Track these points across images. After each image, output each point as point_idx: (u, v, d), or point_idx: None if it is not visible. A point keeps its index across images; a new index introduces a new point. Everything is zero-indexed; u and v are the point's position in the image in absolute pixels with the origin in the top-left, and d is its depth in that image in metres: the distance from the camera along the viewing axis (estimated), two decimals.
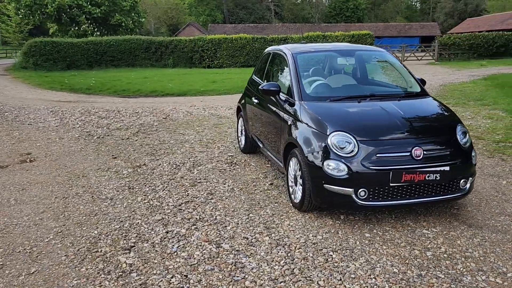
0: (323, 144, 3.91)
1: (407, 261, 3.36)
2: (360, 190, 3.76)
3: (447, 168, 3.86)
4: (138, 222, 4.13)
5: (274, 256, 3.45)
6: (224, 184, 5.17)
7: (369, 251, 3.52)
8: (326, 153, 3.88)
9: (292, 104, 4.55)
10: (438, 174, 3.84)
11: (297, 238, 3.76)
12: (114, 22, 38.43)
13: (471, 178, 4.09)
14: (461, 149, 4.04)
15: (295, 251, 3.52)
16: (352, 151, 3.79)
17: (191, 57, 27.40)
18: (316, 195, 3.98)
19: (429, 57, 28.38)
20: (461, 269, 3.26)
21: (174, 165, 5.96)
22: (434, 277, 3.15)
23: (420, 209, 4.33)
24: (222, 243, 3.67)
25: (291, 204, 4.50)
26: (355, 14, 64.71)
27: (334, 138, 3.88)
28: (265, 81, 5.67)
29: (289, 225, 4.03)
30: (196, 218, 4.20)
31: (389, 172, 3.75)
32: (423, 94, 4.76)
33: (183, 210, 4.41)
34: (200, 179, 5.39)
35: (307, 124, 4.18)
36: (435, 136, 4.02)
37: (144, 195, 4.85)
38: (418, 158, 3.81)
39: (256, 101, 5.64)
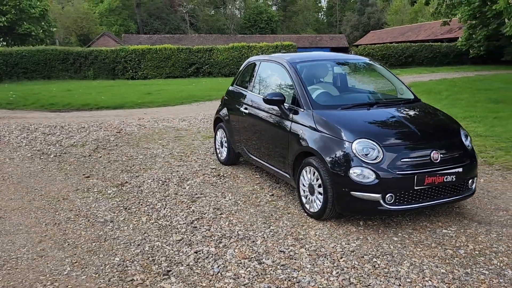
0: (347, 152, 3.95)
1: (447, 261, 3.49)
2: (387, 195, 3.84)
3: (460, 170, 4.09)
4: (158, 245, 3.85)
5: (322, 268, 3.39)
6: (225, 198, 5.01)
7: (407, 254, 3.59)
8: (351, 160, 3.91)
9: (299, 113, 4.53)
10: (454, 176, 4.05)
11: (332, 247, 3.74)
12: (22, 31, 35.71)
13: (476, 178, 4.37)
14: (467, 151, 4.30)
15: (339, 261, 3.49)
16: (377, 157, 3.87)
17: (113, 68, 26.30)
18: (342, 202, 4.00)
19: None
20: (498, 263, 3.45)
21: (160, 181, 5.65)
22: (480, 273, 3.30)
23: (428, 211, 4.52)
24: (262, 259, 3.54)
25: (305, 214, 4.46)
26: (269, 25, 66.47)
27: (358, 145, 3.93)
28: (255, 91, 5.59)
29: (315, 235, 3.99)
30: (219, 235, 4.01)
31: (414, 176, 3.88)
32: (417, 100, 5.00)
33: (199, 228, 4.19)
34: (196, 194, 5.16)
35: (325, 132, 4.18)
36: (446, 140, 4.24)
37: (147, 215, 4.54)
38: (437, 161, 3.99)
39: (246, 111, 5.54)
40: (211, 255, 3.62)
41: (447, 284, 3.15)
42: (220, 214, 4.53)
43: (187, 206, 4.76)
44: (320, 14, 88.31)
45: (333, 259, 3.52)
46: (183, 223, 4.30)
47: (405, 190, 3.90)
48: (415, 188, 3.90)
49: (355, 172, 3.86)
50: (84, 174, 6.08)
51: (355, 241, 3.85)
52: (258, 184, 5.49)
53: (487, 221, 4.27)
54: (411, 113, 4.60)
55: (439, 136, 4.25)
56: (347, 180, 3.91)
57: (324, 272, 3.33)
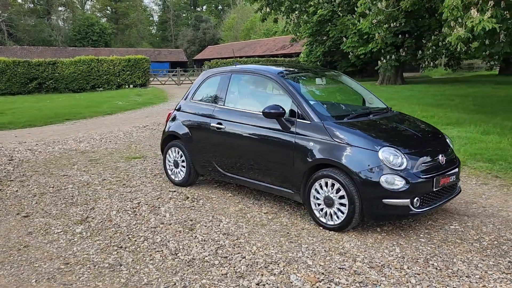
0: (375, 160, 4.02)
1: (485, 254, 3.81)
2: (415, 199, 4.04)
3: (457, 170, 4.52)
4: (207, 282, 3.36)
5: (397, 278, 3.38)
6: (222, 222, 4.61)
7: (449, 253, 3.81)
8: (380, 168, 4.00)
9: (305, 126, 4.44)
10: (454, 176, 4.46)
11: (381, 256, 3.76)
12: None
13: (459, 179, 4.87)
14: (454, 153, 4.78)
15: (403, 268, 3.53)
16: (402, 163, 4.04)
17: None
18: (373, 211, 4.05)
19: None
20: None
21: (128, 212, 4.92)
22: None
23: None
24: (334, 279, 3.37)
25: (320, 228, 4.39)
26: (102, 38, 63.22)
27: (384, 153, 4.05)
28: (229, 105, 5.29)
29: (353, 247, 3.96)
30: (261, 262, 3.68)
31: (433, 179, 4.15)
32: (390, 109, 5.35)
33: (230, 257, 3.78)
34: (185, 220, 4.64)
35: (345, 143, 4.19)
36: (442, 143, 4.63)
37: (157, 252, 3.91)
38: (443, 164, 4.35)
39: (221, 127, 5.20)
40: (277, 284, 3.30)
41: (509, 274, 3.43)
42: (236, 239, 4.16)
43: (191, 236, 4.24)
44: (152, 28, 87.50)
45: (396, 268, 3.54)
46: (208, 255, 3.82)
47: (427, 192, 4.14)
48: (433, 190, 4.17)
49: (387, 180, 3.95)
50: (18, 214, 4.93)
51: (393, 247, 3.94)
52: (241, 203, 5.19)
53: (472, 214, 4.77)
54: (403, 120, 4.91)
55: (436, 140, 4.63)
56: (378, 189, 3.97)
57: (403, 281, 3.32)
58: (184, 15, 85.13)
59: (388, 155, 4.03)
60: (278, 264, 3.62)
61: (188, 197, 5.42)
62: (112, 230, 4.40)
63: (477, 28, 8.09)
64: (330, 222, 4.30)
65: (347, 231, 4.27)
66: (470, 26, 8.16)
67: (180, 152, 5.79)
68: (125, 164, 7.17)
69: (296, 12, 24.74)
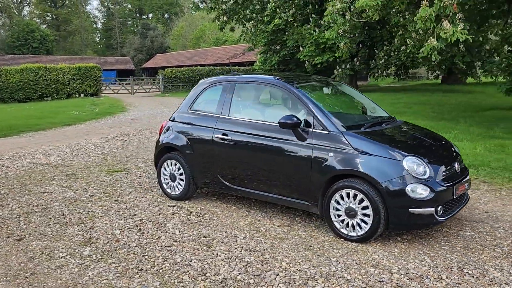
0: (401, 170, 4.02)
1: (511, 260, 3.89)
2: (438, 208, 4.07)
3: (468, 177, 4.62)
4: None
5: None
6: (238, 237, 4.42)
7: (476, 260, 3.85)
8: (406, 178, 4.00)
9: (322, 136, 4.38)
10: (467, 183, 4.55)
11: (415, 267, 3.72)
12: None
13: None
14: (462, 161, 4.88)
15: (443, 278, 3.51)
16: (425, 172, 4.06)
17: None
18: (399, 221, 4.04)
19: (156, 90, 29.64)
20: None
21: (134, 230, 4.62)
22: None
23: None
24: None
25: (341, 240, 4.32)
26: (43, 45, 60.48)
27: (409, 163, 4.05)
28: (235, 115, 5.12)
29: (383, 258, 3.90)
30: (298, 279, 3.54)
31: (453, 187, 4.21)
32: (394, 118, 5.40)
33: (265, 276, 3.60)
34: (199, 237, 4.41)
35: (368, 153, 4.15)
36: (451, 151, 4.72)
37: (185, 273, 3.67)
38: (459, 172, 4.43)
39: (227, 138, 5.02)
40: None
41: None
42: (261, 255, 4.00)
43: (212, 253, 4.03)
44: (96, 35, 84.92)
45: (435, 278, 3.52)
46: (239, 273, 3.64)
47: (448, 200, 4.18)
48: (453, 197, 4.23)
49: (413, 190, 3.95)
50: (9, 237, 4.50)
51: (422, 256, 3.93)
52: (249, 216, 5.03)
53: (478, 219, 4.88)
54: (413, 129, 4.96)
55: (448, 148, 4.70)
56: (405, 198, 3.96)
57: None
58: (129, 22, 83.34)
59: (412, 164, 4.04)
60: (316, 280, 3.49)
61: (191, 212, 5.17)
62: (124, 251, 4.10)
63: (451, 39, 8.41)
64: (352, 234, 4.23)
65: (369, 242, 4.22)
66: (444, 37, 8.48)
67: (178, 165, 5.53)
68: (108, 178, 6.77)
69: (252, 21, 24.89)
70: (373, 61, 23.29)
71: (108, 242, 4.32)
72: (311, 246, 4.19)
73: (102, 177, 6.83)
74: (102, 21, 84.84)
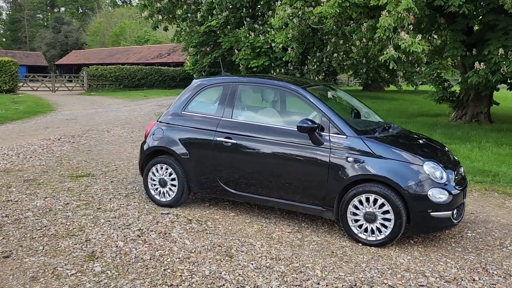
0: (422, 175, 4.10)
1: None
2: (454, 211, 4.22)
3: (467, 181, 4.86)
4: None
5: None
6: (255, 246, 4.24)
7: (493, 260, 4.03)
8: (427, 182, 4.09)
9: (341, 140, 4.35)
10: (467, 187, 4.78)
11: (445, 269, 3.81)
12: None
13: None
14: None
15: (476, 279, 3.63)
16: (443, 176, 4.20)
17: None
18: (421, 224, 4.12)
19: (79, 88, 27.90)
20: None
21: (138, 241, 4.25)
22: None
23: None
24: None
25: (359, 244, 4.32)
26: None
27: (429, 167, 4.16)
28: (238, 117, 4.92)
29: (409, 261, 3.95)
30: (345, 286, 3.47)
31: (464, 190, 4.39)
32: (390, 123, 5.50)
33: (307, 287, 3.49)
34: (213, 247, 4.16)
35: (389, 158, 4.19)
36: (454, 157, 4.91)
37: (222, 287, 3.43)
38: (465, 176, 4.64)
39: (230, 141, 4.80)
40: None
41: None
42: (290, 264, 3.85)
43: (238, 264, 3.81)
44: (1, 27, 78.19)
45: (469, 280, 3.62)
46: (279, 284, 3.47)
47: (460, 204, 4.35)
48: (463, 201, 4.41)
49: (434, 194, 4.05)
50: (1, 252, 3.92)
51: (443, 258, 4.04)
52: (254, 223, 4.85)
53: (471, 221, 5.15)
54: (417, 135, 5.10)
55: (450, 154, 4.89)
56: (427, 202, 4.05)
57: None
58: (39, 15, 77.83)
59: (432, 169, 4.14)
60: (370, 286, 3.43)
61: (190, 220, 4.88)
62: (140, 265, 3.74)
63: (410, 49, 8.85)
64: (371, 238, 4.24)
65: (387, 247, 4.25)
66: (404, 47, 8.89)
67: (170, 169, 5.19)
68: (76, 184, 6.19)
69: (187, 21, 24.44)
70: (306, 66, 23.91)
71: (116, 255, 3.91)
72: (333, 252, 4.13)
73: (68, 183, 6.22)
74: (8, 12, 78.25)
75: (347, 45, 16.81)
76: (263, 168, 4.68)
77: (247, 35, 22.83)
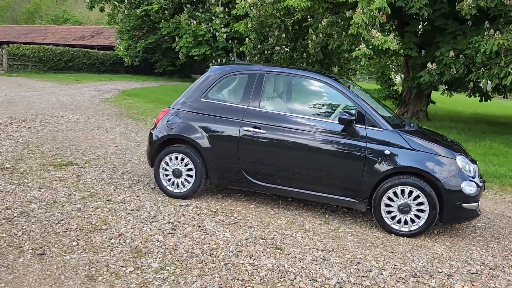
0: (455, 168, 4.33)
1: None
2: (479, 203, 4.51)
3: None
4: None
5: None
6: (297, 237, 4.22)
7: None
8: (460, 175, 4.33)
9: (377, 133, 4.45)
10: None
11: (482, 257, 4.06)
12: None
13: None
14: None
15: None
16: (470, 170, 4.47)
17: None
18: (453, 215, 4.34)
19: None
20: None
21: (178, 235, 4.02)
22: None
23: None
24: (489, 285, 3.54)
25: (391, 235, 4.47)
26: None
27: (460, 161, 4.40)
28: (263, 107, 4.82)
29: (447, 251, 4.16)
30: (407, 276, 3.58)
31: (484, 183, 4.70)
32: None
33: (374, 277, 3.54)
34: (256, 239, 4.07)
35: (424, 151, 4.35)
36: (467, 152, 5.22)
37: (312, 286, 3.37)
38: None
39: (259, 131, 4.70)
40: None
41: None
42: (343, 255, 3.89)
43: (294, 257, 3.76)
44: None
45: (510, 266, 3.90)
46: (348, 276, 3.50)
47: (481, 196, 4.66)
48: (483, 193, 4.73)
49: (466, 186, 4.30)
50: (21, 251, 3.51)
51: (471, 247, 4.30)
52: (280, 214, 4.81)
53: None
54: (430, 131, 5.33)
55: (464, 149, 5.19)
56: (460, 194, 4.29)
57: None
58: None
59: (463, 162, 4.39)
60: (423, 277, 3.56)
61: (215, 212, 4.71)
62: (197, 260, 3.55)
63: (382, 47, 9.24)
64: (404, 229, 4.40)
65: (417, 237, 4.43)
66: (376, 45, 9.26)
67: (186, 159, 4.97)
68: (64, 173, 5.69)
69: (125, 3, 23.33)
70: (247, 57, 23.92)
71: (164, 250, 3.67)
72: (372, 243, 4.22)
73: (55, 172, 5.70)
74: None
75: (305, 38, 17.05)
76: (294, 160, 4.63)
77: (189, 22, 22.30)
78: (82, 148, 7.19)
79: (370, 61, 18.54)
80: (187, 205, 4.82)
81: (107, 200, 4.79)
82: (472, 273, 3.68)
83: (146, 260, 3.47)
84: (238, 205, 4.97)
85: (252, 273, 3.39)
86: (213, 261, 3.55)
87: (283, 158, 4.67)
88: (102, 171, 5.93)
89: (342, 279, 3.41)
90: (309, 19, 13.84)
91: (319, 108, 4.82)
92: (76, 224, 4.07)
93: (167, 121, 5.07)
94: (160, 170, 5.06)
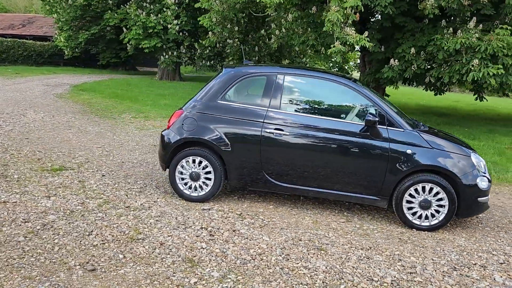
0: (471, 165, 4.61)
1: None
2: (488, 197, 4.85)
3: None
4: None
5: None
6: (330, 237, 4.33)
7: None
8: (475, 171, 4.62)
9: (398, 134, 4.64)
10: None
11: (510, 249, 4.39)
12: None
13: None
14: None
15: None
16: (481, 166, 4.79)
17: None
18: (470, 210, 4.62)
19: None
20: None
21: (218, 241, 3.97)
22: None
23: None
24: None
25: (411, 229, 4.70)
26: None
27: (474, 158, 4.70)
28: (288, 109, 4.85)
29: (469, 243, 4.45)
30: (452, 269, 3.80)
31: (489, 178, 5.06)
32: None
33: (421, 274, 3.74)
34: (296, 241, 4.13)
35: (443, 150, 4.60)
36: None
37: (376, 286, 3.48)
38: None
39: (285, 133, 4.75)
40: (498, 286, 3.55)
41: None
42: (383, 253, 4.04)
43: (340, 257, 3.85)
44: None
45: None
46: (399, 273, 3.65)
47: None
48: None
49: (480, 181, 4.62)
50: (70, 268, 3.33)
51: (487, 237, 4.63)
52: (301, 214, 4.87)
53: None
54: (437, 129, 5.62)
55: None
56: (476, 189, 4.58)
57: None
58: None
59: (477, 159, 4.69)
60: (463, 270, 3.79)
61: (240, 214, 4.70)
62: (252, 266, 3.54)
63: (358, 44, 9.53)
64: (425, 224, 4.64)
65: (437, 231, 4.68)
66: (351, 42, 9.53)
67: (204, 162, 4.90)
68: (64, 179, 5.39)
69: None
70: (198, 50, 23.60)
71: (215, 258, 3.63)
72: (400, 239, 4.42)
73: (53, 178, 5.40)
74: None
75: (267, 32, 17.08)
76: (317, 161, 4.72)
77: (138, 14, 21.60)
78: (65, 151, 6.83)
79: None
80: (209, 209, 4.76)
81: (126, 207, 4.62)
82: (501, 263, 3.97)
83: (203, 269, 3.41)
84: (258, 207, 4.98)
85: (311, 276, 3.45)
86: (268, 266, 3.55)
87: (305, 159, 4.74)
88: (103, 175, 5.69)
89: (395, 276, 3.55)
90: (271, 14, 13.91)
91: (340, 110, 4.93)
92: (110, 234, 3.90)
93: (183, 124, 4.95)
94: (177, 173, 4.95)
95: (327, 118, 4.77)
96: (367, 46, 9.55)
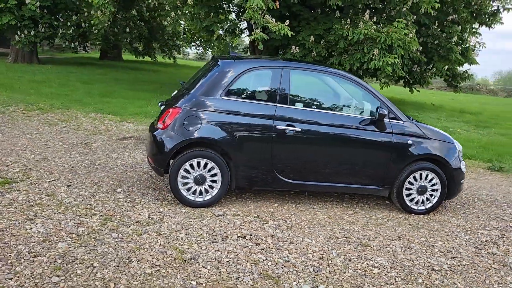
0: (457, 151, 5.11)
1: None
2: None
3: None
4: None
5: None
6: (356, 231, 4.44)
7: (499, 212, 5.51)
8: (459, 157, 5.14)
9: (399, 126, 4.91)
10: None
11: (504, 225, 4.99)
12: None
13: None
14: None
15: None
16: (460, 152, 5.32)
17: None
18: (456, 191, 5.11)
19: None
20: None
21: (271, 250, 3.79)
22: None
23: None
24: None
25: (411, 215, 5.05)
26: None
27: (457, 145, 5.21)
28: (296, 104, 4.73)
29: (476, 225, 4.97)
30: (482, 248, 4.20)
31: None
32: None
33: (463, 264, 4.08)
34: (335, 239, 4.16)
35: (435, 139, 4.96)
36: None
37: (442, 276, 3.63)
38: None
39: (297, 129, 4.62)
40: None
41: None
42: (410, 242, 4.26)
43: (382, 250, 3.99)
44: None
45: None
46: (447, 261, 3.93)
47: None
48: None
49: (462, 166, 5.17)
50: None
51: (478, 215, 5.21)
52: (311, 210, 4.84)
53: None
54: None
55: None
56: (461, 172, 5.09)
57: None
58: None
59: (459, 146, 5.22)
60: (488, 247, 4.23)
61: (258, 216, 4.49)
62: (329, 272, 3.45)
63: (279, 32, 9.65)
64: (421, 207, 5.03)
65: (432, 213, 5.10)
66: (274, 30, 9.62)
67: (211, 164, 4.53)
68: (26, 195, 4.43)
69: None
70: (60, 30, 21.14)
71: (288, 270, 3.42)
72: (411, 225, 4.71)
73: (9, 195, 4.42)
74: None
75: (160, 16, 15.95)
76: (328, 155, 4.73)
77: None
78: (17, 158, 5.61)
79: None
80: (223, 214, 4.43)
81: (136, 222, 4.04)
82: (504, 236, 4.52)
83: (290, 284, 3.18)
84: (267, 207, 4.80)
85: (385, 274, 3.48)
86: (341, 270, 3.49)
87: (317, 154, 4.71)
88: (68, 186, 4.84)
89: (441, 261, 3.80)
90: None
91: (345, 103, 4.96)
92: (154, 258, 3.38)
93: (184, 123, 4.46)
94: (179, 178, 4.47)
95: (335, 112, 4.79)
96: (289, 35, 9.70)
